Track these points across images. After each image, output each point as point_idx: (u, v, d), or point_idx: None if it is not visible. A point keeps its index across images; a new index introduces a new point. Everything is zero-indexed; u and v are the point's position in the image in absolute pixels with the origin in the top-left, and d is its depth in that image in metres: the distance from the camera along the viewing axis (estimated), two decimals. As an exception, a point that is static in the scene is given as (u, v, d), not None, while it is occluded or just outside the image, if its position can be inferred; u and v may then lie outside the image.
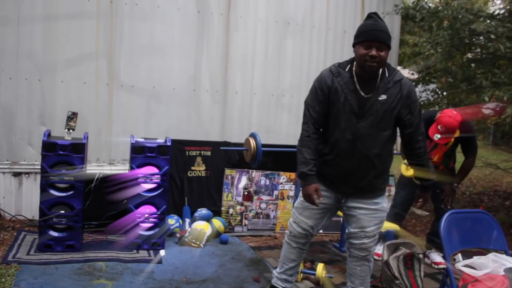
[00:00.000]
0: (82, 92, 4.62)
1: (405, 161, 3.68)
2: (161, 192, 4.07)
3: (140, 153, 4.02)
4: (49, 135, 3.95)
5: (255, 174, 4.87)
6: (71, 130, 3.89)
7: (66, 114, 3.94)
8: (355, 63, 2.61)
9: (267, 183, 4.98)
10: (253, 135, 4.10)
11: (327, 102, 2.60)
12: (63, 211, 3.83)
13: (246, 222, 4.85)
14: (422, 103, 6.82)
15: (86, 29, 4.58)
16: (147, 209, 4.06)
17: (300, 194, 2.75)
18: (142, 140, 4.11)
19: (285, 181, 5.06)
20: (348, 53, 5.61)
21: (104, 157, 4.74)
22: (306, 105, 2.70)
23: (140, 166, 4.02)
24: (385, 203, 2.77)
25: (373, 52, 2.43)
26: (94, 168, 4.62)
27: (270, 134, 5.27)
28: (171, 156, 4.72)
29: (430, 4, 6.03)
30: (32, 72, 4.47)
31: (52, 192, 3.80)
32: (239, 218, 4.83)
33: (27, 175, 4.51)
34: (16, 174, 4.53)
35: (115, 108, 4.73)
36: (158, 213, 4.07)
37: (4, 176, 4.50)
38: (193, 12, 4.95)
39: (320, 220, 2.78)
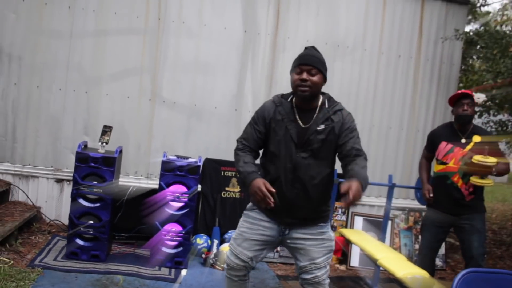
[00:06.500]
0: (125, 105, 4.74)
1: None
2: (188, 212, 4.04)
3: (170, 171, 4.03)
4: (85, 146, 4.07)
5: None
6: (104, 144, 3.98)
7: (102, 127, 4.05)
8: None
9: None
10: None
11: (265, 132, 2.60)
12: (91, 221, 3.93)
13: (279, 248, 4.67)
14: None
15: (132, 45, 4.71)
16: (173, 227, 4.05)
17: (239, 224, 2.68)
18: (173, 158, 4.12)
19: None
20: (401, 78, 5.33)
21: (142, 170, 4.81)
22: (245, 133, 2.66)
23: (169, 184, 4.03)
24: (331, 232, 2.67)
25: (304, 76, 2.46)
26: (131, 181, 4.71)
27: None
28: (206, 175, 4.74)
29: (498, 28, 5.57)
30: (80, 84, 4.66)
31: (82, 202, 3.91)
32: (270, 243, 4.68)
33: (68, 182, 4.67)
34: (59, 181, 4.71)
35: (155, 124, 4.80)
36: (184, 232, 4.05)
37: (47, 182, 4.70)
38: (239, 32, 4.93)
39: (260, 252, 2.67)
